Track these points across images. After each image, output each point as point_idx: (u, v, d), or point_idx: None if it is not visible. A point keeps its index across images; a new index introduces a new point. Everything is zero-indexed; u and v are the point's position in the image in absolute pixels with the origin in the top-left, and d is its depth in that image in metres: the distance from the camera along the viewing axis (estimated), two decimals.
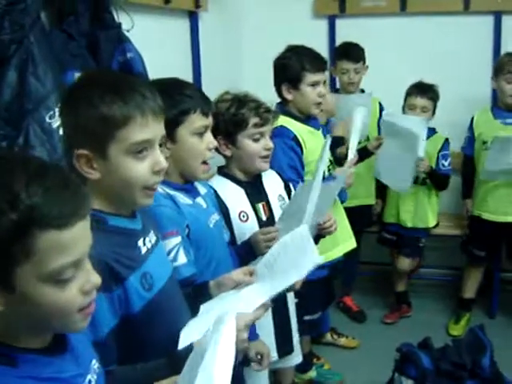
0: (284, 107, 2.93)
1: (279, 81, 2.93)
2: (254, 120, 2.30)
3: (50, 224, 0.98)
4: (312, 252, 1.69)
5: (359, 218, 3.68)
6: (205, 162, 1.95)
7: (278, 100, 2.99)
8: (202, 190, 2.07)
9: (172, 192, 1.87)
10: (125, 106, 1.39)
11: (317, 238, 2.43)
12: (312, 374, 3.53)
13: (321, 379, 3.56)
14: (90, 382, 1.16)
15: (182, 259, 1.80)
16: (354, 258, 4.25)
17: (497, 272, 4.19)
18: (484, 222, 3.90)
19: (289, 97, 2.91)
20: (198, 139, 1.90)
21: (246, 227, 2.32)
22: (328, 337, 3.94)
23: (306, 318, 3.02)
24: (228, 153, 2.37)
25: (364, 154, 3.64)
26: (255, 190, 2.41)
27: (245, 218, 2.35)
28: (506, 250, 4.02)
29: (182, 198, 1.91)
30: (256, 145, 2.33)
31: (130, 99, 1.40)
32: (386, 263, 4.43)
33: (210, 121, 1.95)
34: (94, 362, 1.21)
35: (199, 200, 2.01)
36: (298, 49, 2.95)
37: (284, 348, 2.52)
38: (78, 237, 1.03)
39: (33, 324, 1.05)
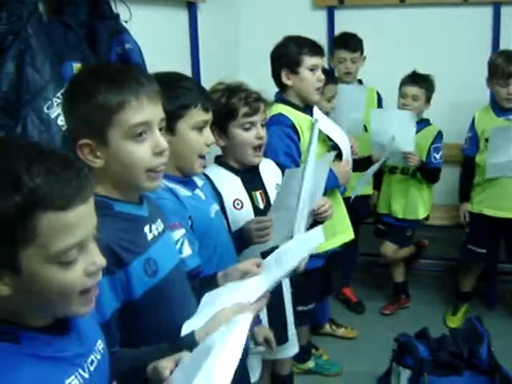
0: (283, 96, 2.93)
1: (278, 68, 2.93)
2: (243, 109, 2.31)
3: (53, 205, 1.00)
4: (317, 234, 1.70)
5: (357, 208, 3.69)
6: (201, 156, 1.96)
7: (276, 90, 2.98)
8: (200, 182, 2.09)
9: (171, 185, 1.88)
10: (119, 91, 1.42)
11: (315, 225, 2.45)
12: (310, 364, 3.55)
13: (319, 369, 3.57)
14: (92, 361, 1.17)
15: (187, 251, 1.81)
16: (354, 249, 4.28)
17: (495, 263, 4.19)
18: (485, 218, 3.86)
19: (289, 82, 2.91)
20: (197, 134, 1.92)
21: (241, 215, 2.33)
22: (327, 327, 3.95)
23: (299, 308, 3.03)
24: (221, 143, 2.38)
25: (366, 163, 3.69)
26: (252, 179, 2.41)
27: (239, 206, 2.36)
28: (507, 247, 3.99)
29: (182, 191, 1.92)
30: (247, 134, 2.34)
31: (123, 85, 1.44)
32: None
33: (209, 116, 1.96)
34: (99, 342, 1.23)
35: (198, 192, 2.03)
36: (295, 37, 2.96)
37: (278, 337, 2.51)
38: (82, 218, 1.04)
39: (38, 307, 1.07)
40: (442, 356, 2.82)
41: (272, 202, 2.37)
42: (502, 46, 4.13)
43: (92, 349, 1.19)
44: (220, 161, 2.44)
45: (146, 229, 1.54)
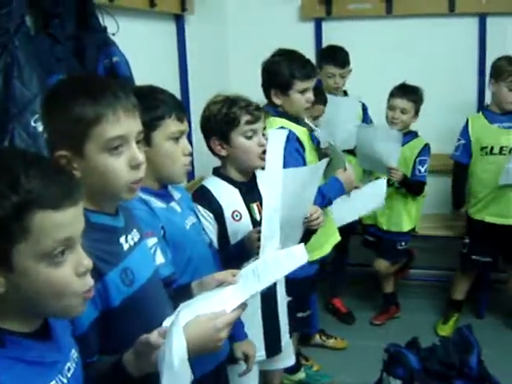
0: (277, 109, 2.95)
1: (268, 85, 2.95)
2: (245, 117, 2.34)
3: (47, 205, 1.07)
4: (301, 258, 1.69)
5: None
6: (184, 165, 1.97)
7: (265, 101, 2.99)
8: (176, 195, 2.09)
9: (145, 197, 1.89)
10: (96, 104, 1.43)
11: (308, 234, 2.45)
12: (301, 375, 3.54)
13: (310, 380, 3.57)
14: (68, 369, 1.22)
15: (160, 259, 1.82)
16: (343, 259, 4.29)
17: (487, 273, 4.19)
18: (486, 226, 3.86)
19: (277, 101, 2.93)
20: (173, 144, 1.93)
21: (239, 227, 2.35)
22: (317, 338, 3.95)
23: (299, 314, 3.05)
24: (223, 153, 2.39)
25: None
26: (250, 190, 2.43)
27: (238, 218, 2.37)
28: (503, 252, 3.99)
29: (155, 202, 1.93)
30: (250, 142, 2.36)
31: (100, 98, 1.44)
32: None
33: (184, 126, 1.97)
34: (73, 351, 1.27)
35: (173, 205, 2.03)
36: (288, 54, 2.96)
37: (272, 348, 2.52)
38: (71, 219, 1.12)
39: (30, 307, 1.12)
40: (432, 366, 2.81)
41: None
42: (488, 57, 4.17)
43: (68, 356, 1.24)
44: (218, 172, 2.46)
45: (122, 239, 1.55)
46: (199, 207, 2.30)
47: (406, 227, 4.03)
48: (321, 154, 3.04)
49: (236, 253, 2.25)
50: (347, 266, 4.45)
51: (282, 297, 2.56)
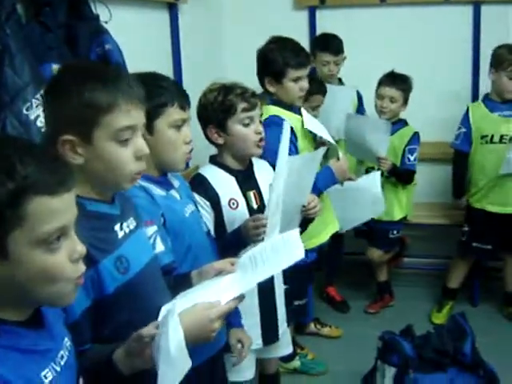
0: (271, 97, 2.94)
1: (262, 73, 2.94)
2: (242, 105, 2.34)
3: (42, 191, 1.07)
4: (296, 248, 1.69)
5: None
6: (185, 153, 1.98)
7: (261, 90, 2.98)
8: (176, 183, 2.10)
9: (146, 184, 1.89)
10: (110, 92, 1.43)
11: (305, 223, 2.45)
12: (296, 363, 3.56)
13: (305, 369, 3.59)
14: (62, 357, 1.22)
15: (160, 247, 1.82)
16: (338, 248, 4.29)
17: (481, 261, 4.22)
18: (488, 214, 3.88)
19: (271, 89, 2.93)
20: (175, 132, 1.94)
21: (236, 215, 2.35)
22: (311, 327, 3.96)
23: (296, 302, 3.06)
24: (220, 141, 2.40)
25: None
26: (246, 178, 2.43)
27: (234, 206, 2.37)
28: (502, 240, 3.99)
29: (156, 190, 1.94)
30: (246, 129, 2.36)
31: (115, 86, 1.45)
32: None
33: (187, 115, 1.98)
34: (66, 339, 1.27)
35: (173, 192, 2.04)
36: (282, 42, 2.95)
37: (269, 336, 2.53)
38: (66, 205, 1.12)
39: (24, 294, 1.12)
40: (426, 353, 2.82)
41: (266, 202, 2.37)
42: (483, 45, 4.18)
43: (61, 344, 1.24)
44: (215, 160, 2.46)
45: (117, 227, 1.55)
46: (196, 195, 2.30)
47: (398, 216, 4.03)
48: (318, 143, 3.03)
49: (232, 241, 2.26)
50: (342, 255, 4.45)
51: (280, 285, 2.56)
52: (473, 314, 3.36)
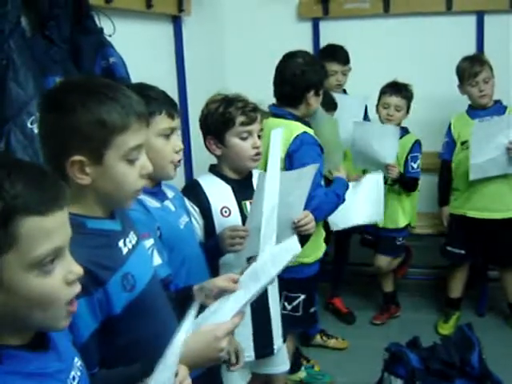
0: (295, 114, 2.94)
1: (305, 88, 2.95)
2: (240, 118, 2.33)
3: (33, 210, 1.01)
4: (292, 247, 1.68)
5: None
6: (173, 162, 1.97)
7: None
8: (170, 193, 2.10)
9: (140, 196, 1.87)
10: (123, 112, 1.41)
11: (300, 240, 2.42)
12: (301, 374, 3.54)
13: (311, 380, 3.56)
14: (74, 378, 1.17)
15: (157, 260, 1.81)
16: (343, 259, 4.28)
17: (484, 270, 4.20)
18: (467, 220, 3.91)
19: (314, 104, 2.97)
20: (164, 141, 1.93)
21: (227, 223, 2.32)
22: (317, 338, 3.94)
23: (312, 310, 3.08)
24: (218, 152, 2.40)
25: None
26: (243, 188, 2.41)
27: (227, 214, 2.36)
28: (486, 247, 3.98)
29: (150, 202, 1.93)
30: (244, 143, 2.36)
31: (127, 106, 1.43)
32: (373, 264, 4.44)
33: (176, 123, 1.98)
34: (76, 359, 1.22)
35: (167, 203, 2.04)
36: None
37: (262, 348, 2.49)
38: (59, 224, 1.06)
39: (19, 320, 1.06)
40: (433, 365, 2.80)
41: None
42: (486, 55, 4.16)
43: (71, 365, 1.19)
44: (214, 170, 2.46)
45: (121, 243, 1.52)
46: (186, 201, 2.29)
47: (402, 223, 4.05)
48: None
49: (209, 248, 2.23)
50: (346, 265, 4.44)
51: (274, 298, 2.53)
52: (479, 325, 3.33)
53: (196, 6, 3.85)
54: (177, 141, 1.97)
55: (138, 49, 3.03)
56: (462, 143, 3.88)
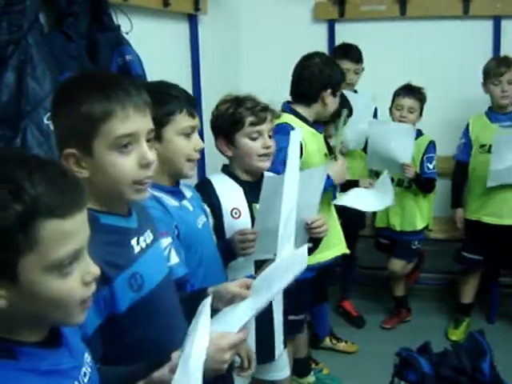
0: (291, 106, 2.96)
1: (323, 86, 2.96)
2: (250, 119, 2.32)
3: (54, 213, 1.00)
4: (300, 262, 1.68)
5: (352, 220, 3.66)
6: (190, 160, 1.96)
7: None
8: (188, 193, 2.08)
9: (158, 194, 1.87)
10: (105, 101, 1.40)
11: (313, 242, 2.41)
12: (311, 378, 3.52)
13: None
14: (85, 374, 1.17)
15: (175, 259, 1.80)
16: (352, 262, 4.26)
17: (495, 277, 4.18)
18: (483, 225, 3.87)
19: (331, 104, 3.00)
20: (185, 140, 1.93)
21: (238, 224, 2.31)
22: (327, 341, 3.92)
23: (291, 317, 2.98)
24: (229, 153, 2.39)
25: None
26: (255, 190, 2.38)
27: (237, 215, 2.34)
28: (500, 253, 3.95)
29: (169, 200, 1.92)
30: (254, 143, 2.34)
31: (111, 95, 1.41)
32: (385, 268, 4.42)
33: (196, 122, 1.96)
34: (86, 355, 1.22)
35: (185, 203, 2.02)
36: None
37: (265, 354, 2.44)
38: (79, 226, 1.05)
39: (34, 317, 1.06)
40: (444, 371, 2.78)
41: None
42: None
43: (82, 361, 1.19)
44: (226, 170, 2.45)
45: (133, 241, 1.51)
46: None
47: (420, 225, 4.02)
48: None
49: (221, 251, 2.20)
50: (355, 268, 4.42)
51: (278, 303, 2.49)
52: (489, 331, 3.30)
53: (212, 6, 3.85)
54: (198, 140, 1.96)
55: (154, 47, 3.03)
56: (481, 146, 3.86)
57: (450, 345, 3.07)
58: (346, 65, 3.87)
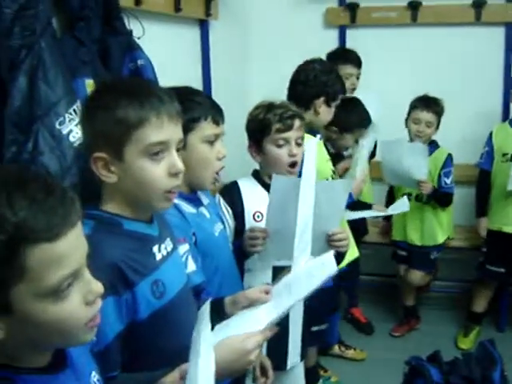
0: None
1: (316, 94, 2.93)
2: (276, 125, 2.30)
3: (41, 237, 0.92)
4: (328, 264, 1.66)
5: (355, 228, 3.64)
6: (216, 173, 1.95)
7: None
8: (205, 200, 2.07)
9: (176, 201, 1.85)
10: (140, 108, 1.40)
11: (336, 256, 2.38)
12: None
13: None
14: None
15: (192, 266, 1.79)
16: (356, 268, 4.23)
17: (506, 286, 4.14)
18: (503, 235, 3.84)
19: (325, 113, 2.96)
20: (208, 147, 1.91)
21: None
22: (336, 349, 3.91)
23: (314, 328, 2.98)
24: (258, 159, 2.40)
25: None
26: None
27: (259, 219, 2.32)
28: None
29: (186, 207, 1.91)
30: (280, 150, 2.32)
31: (146, 102, 1.41)
32: (389, 275, 4.41)
33: (221, 130, 1.95)
34: (93, 374, 1.19)
35: (202, 210, 2.02)
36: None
37: (274, 360, 2.36)
38: (72, 246, 0.97)
39: (37, 343, 1.02)
40: (454, 380, 2.76)
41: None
42: None
43: (88, 382, 1.15)
44: (255, 174, 2.45)
45: (155, 249, 1.51)
46: (221, 200, 2.29)
47: (441, 239, 4.00)
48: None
49: (234, 250, 2.20)
50: (359, 274, 4.39)
51: (297, 312, 2.46)
52: (499, 340, 3.27)
53: (223, 11, 3.85)
54: (221, 147, 1.95)
55: (166, 51, 3.03)
56: (503, 155, 3.82)
57: (459, 353, 3.05)
58: (349, 69, 3.82)
